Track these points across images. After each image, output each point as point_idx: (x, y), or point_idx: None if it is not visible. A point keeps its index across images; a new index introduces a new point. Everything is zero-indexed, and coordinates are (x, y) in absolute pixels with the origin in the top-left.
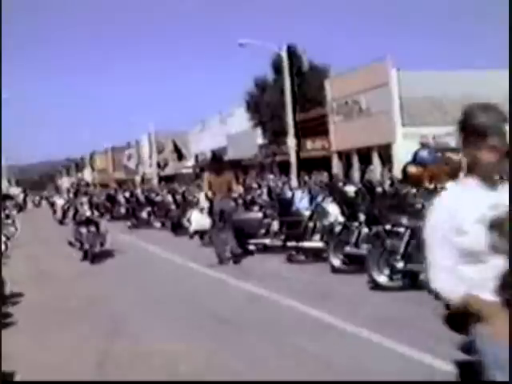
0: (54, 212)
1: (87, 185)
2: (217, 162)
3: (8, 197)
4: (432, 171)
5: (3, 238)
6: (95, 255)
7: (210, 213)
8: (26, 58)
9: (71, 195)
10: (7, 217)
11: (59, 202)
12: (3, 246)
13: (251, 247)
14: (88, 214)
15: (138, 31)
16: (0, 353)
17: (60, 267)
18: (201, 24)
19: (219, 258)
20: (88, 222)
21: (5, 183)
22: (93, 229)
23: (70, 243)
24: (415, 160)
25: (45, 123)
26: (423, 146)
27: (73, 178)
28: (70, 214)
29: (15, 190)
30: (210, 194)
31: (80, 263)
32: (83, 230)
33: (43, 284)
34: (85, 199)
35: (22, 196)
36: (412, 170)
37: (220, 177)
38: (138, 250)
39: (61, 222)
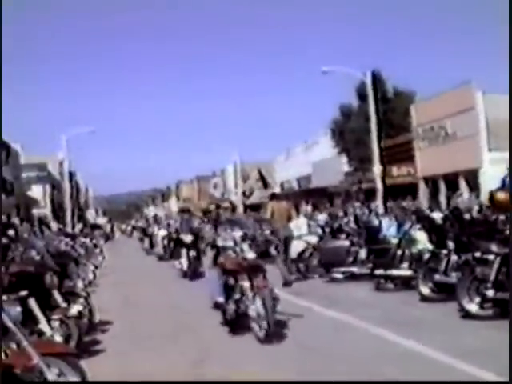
0: (152, 246)
1: (233, 210)
2: (276, 196)
3: (96, 226)
4: None
5: (91, 267)
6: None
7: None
8: (112, 90)
9: (209, 225)
10: (95, 246)
11: (160, 233)
12: (91, 275)
13: (338, 275)
14: (251, 255)
15: (221, 57)
16: None
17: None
18: (284, 50)
19: (285, 280)
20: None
21: (92, 213)
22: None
23: (217, 305)
24: (504, 186)
25: (131, 154)
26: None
27: (159, 207)
28: (175, 247)
29: (102, 220)
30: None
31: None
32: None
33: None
34: (237, 234)
35: (109, 226)
36: (501, 196)
37: (281, 206)
38: None
39: (160, 258)
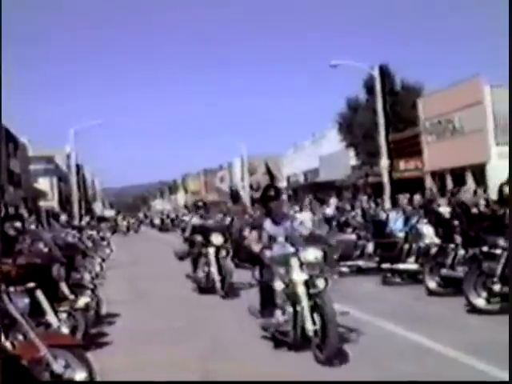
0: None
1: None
2: (234, 196)
3: (103, 219)
4: None
5: (98, 260)
6: None
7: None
8: (120, 83)
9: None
10: (102, 238)
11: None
12: (98, 267)
13: (345, 269)
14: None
15: (229, 50)
16: None
17: None
18: (291, 45)
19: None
20: None
21: (99, 206)
22: None
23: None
24: None
25: (139, 147)
26: None
27: (166, 200)
28: None
29: (109, 212)
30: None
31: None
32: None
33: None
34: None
35: (119, 218)
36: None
37: (236, 205)
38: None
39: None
